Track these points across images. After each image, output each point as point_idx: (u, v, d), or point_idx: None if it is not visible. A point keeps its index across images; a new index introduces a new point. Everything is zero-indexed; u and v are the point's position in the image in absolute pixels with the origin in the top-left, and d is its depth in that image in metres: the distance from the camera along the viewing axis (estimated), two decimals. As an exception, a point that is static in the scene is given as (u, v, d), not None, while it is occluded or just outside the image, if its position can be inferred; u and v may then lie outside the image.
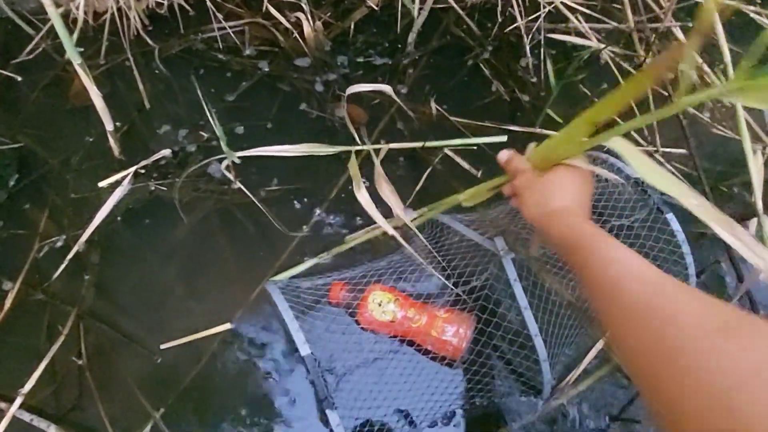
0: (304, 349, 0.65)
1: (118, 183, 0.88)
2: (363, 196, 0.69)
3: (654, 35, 0.94)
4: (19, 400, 0.68)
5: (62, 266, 0.80)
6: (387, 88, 0.88)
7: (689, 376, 0.28)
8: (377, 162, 0.72)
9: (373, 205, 0.69)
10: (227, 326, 0.78)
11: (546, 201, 0.55)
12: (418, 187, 0.91)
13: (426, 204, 0.79)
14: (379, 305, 0.75)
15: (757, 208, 0.78)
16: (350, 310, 0.79)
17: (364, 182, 0.70)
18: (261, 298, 0.81)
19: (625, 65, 1.06)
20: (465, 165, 0.93)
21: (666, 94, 1.01)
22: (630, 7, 0.80)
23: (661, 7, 0.91)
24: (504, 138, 0.95)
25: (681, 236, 0.72)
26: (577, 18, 1.02)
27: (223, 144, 0.77)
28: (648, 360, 0.32)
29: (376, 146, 0.89)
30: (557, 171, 0.56)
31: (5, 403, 0.69)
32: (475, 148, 0.95)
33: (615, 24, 1.07)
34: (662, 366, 0.30)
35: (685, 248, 0.72)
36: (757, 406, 0.25)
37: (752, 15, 0.98)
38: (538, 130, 0.96)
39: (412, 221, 0.75)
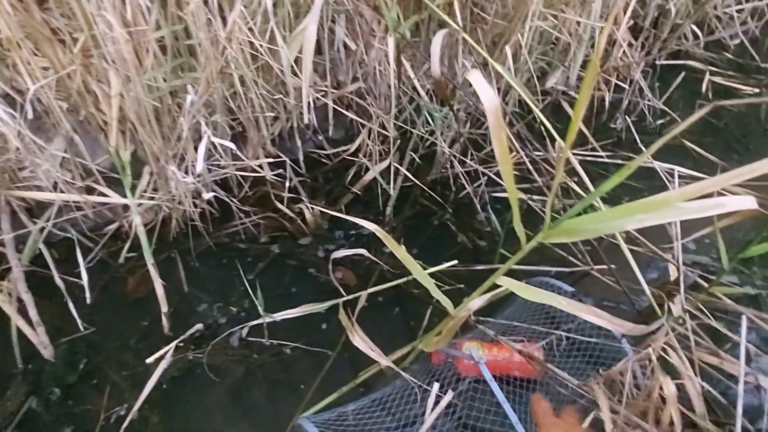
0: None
1: (162, 357, 1.07)
2: (356, 338, 0.91)
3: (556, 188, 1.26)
4: None
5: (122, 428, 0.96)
6: (363, 251, 1.07)
7: None
8: (349, 319, 0.93)
9: (366, 344, 0.90)
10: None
11: None
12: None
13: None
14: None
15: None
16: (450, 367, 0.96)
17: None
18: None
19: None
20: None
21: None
22: (536, 172, 1.11)
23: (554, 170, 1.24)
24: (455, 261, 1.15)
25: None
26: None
27: (260, 309, 1.00)
28: None
29: (355, 295, 1.03)
30: None
31: None
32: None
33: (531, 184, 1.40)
34: None
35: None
36: None
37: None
38: (496, 266, 1.21)
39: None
